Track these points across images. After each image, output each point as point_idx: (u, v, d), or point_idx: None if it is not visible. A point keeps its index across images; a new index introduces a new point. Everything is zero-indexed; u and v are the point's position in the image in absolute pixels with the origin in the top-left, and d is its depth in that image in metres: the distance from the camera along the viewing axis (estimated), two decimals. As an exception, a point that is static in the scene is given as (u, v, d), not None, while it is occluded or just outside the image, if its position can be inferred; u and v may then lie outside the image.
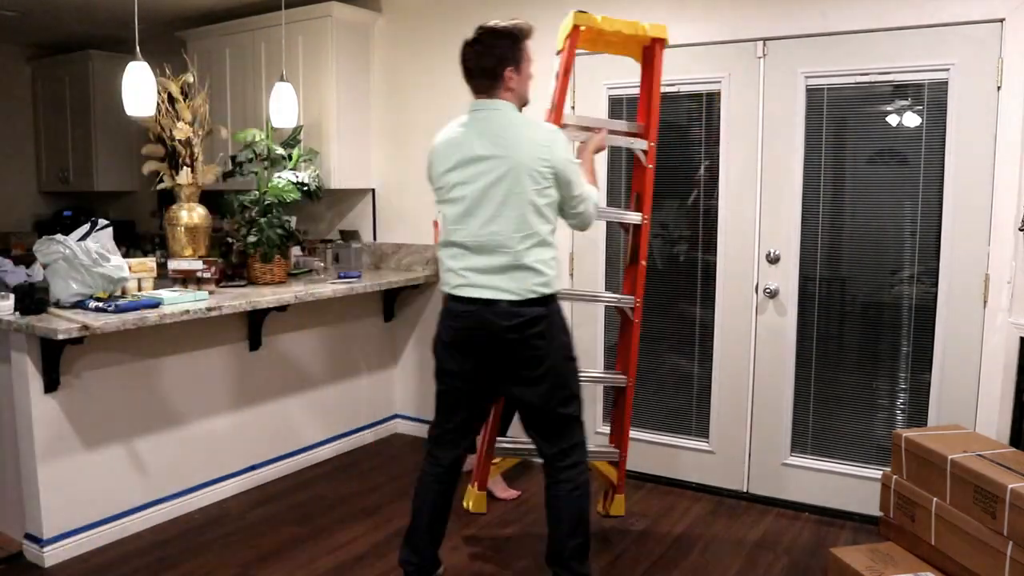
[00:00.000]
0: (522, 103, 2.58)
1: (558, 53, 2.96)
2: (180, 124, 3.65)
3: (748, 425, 3.57)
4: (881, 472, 2.99)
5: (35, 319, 2.80)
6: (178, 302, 3.18)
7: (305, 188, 3.97)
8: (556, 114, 2.90)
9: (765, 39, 3.38)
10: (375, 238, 4.58)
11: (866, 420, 3.37)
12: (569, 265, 3.92)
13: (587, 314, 3.91)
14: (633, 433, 3.88)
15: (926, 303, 3.21)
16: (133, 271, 3.31)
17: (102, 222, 3.28)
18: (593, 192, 2.60)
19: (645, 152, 3.08)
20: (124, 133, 5.43)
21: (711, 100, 3.54)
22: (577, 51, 3.77)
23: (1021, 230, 2.95)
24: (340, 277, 3.99)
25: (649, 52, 3.07)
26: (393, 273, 4.34)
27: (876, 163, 3.27)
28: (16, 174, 5.79)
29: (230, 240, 3.91)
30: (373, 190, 4.55)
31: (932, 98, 3.12)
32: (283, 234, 3.76)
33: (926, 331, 3.21)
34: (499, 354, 2.45)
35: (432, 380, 4.18)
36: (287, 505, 3.55)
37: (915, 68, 3.12)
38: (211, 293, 3.43)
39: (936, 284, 3.16)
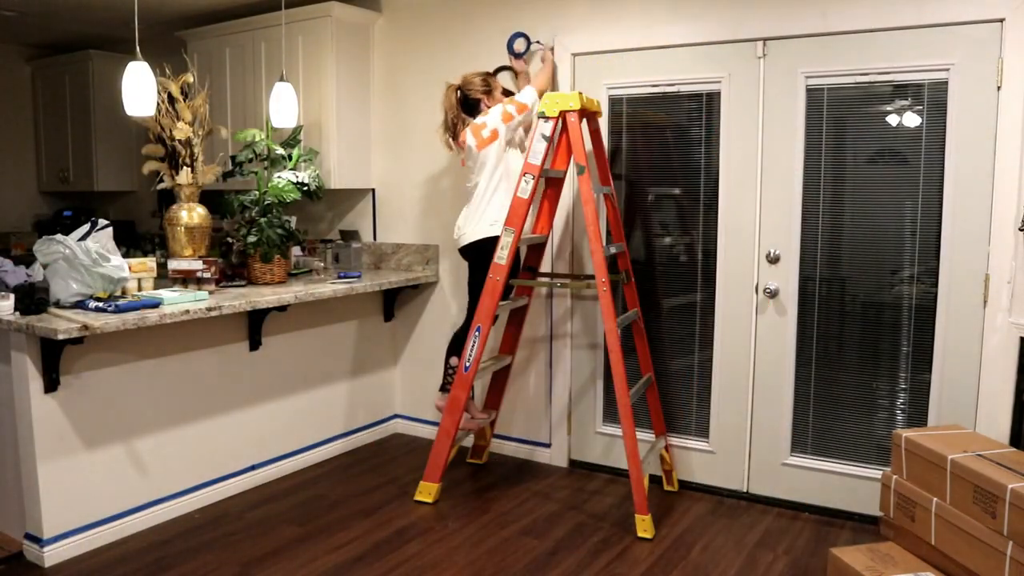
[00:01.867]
0: None
1: (547, 119, 3.31)
2: (180, 124, 3.65)
3: (748, 425, 3.57)
4: (881, 472, 2.99)
5: (35, 319, 2.80)
6: (178, 302, 3.18)
7: (305, 188, 3.97)
8: (540, 168, 3.36)
9: (765, 39, 3.38)
10: (375, 238, 4.58)
11: (866, 420, 3.37)
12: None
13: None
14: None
15: (926, 303, 3.21)
16: (133, 271, 3.31)
17: (102, 222, 3.28)
18: None
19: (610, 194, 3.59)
20: (124, 133, 5.44)
21: (711, 100, 3.54)
22: (579, 52, 3.80)
23: (1021, 230, 2.95)
24: (340, 277, 3.99)
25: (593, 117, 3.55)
26: (393, 273, 4.34)
27: (876, 163, 3.27)
28: (16, 174, 5.79)
29: (230, 240, 3.91)
30: (373, 190, 4.55)
31: (932, 98, 3.12)
32: (283, 234, 3.76)
33: (926, 331, 3.21)
34: None
35: (429, 379, 4.24)
36: (287, 505, 3.55)
37: (915, 68, 3.12)
38: (211, 293, 3.43)
39: (936, 284, 3.16)
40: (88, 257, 3.06)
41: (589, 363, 3.97)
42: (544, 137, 3.32)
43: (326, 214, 4.76)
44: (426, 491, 3.56)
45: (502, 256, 3.40)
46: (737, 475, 3.63)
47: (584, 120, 3.46)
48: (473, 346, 3.45)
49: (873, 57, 3.18)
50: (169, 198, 4.03)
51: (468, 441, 4.14)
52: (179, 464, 3.43)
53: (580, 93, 3.28)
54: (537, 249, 3.82)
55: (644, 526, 3.21)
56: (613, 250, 3.47)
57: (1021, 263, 2.98)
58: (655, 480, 3.81)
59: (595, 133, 3.54)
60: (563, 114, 3.31)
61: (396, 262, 4.50)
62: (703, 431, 3.71)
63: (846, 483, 3.40)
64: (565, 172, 3.71)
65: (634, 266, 3.74)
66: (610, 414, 3.96)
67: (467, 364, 3.47)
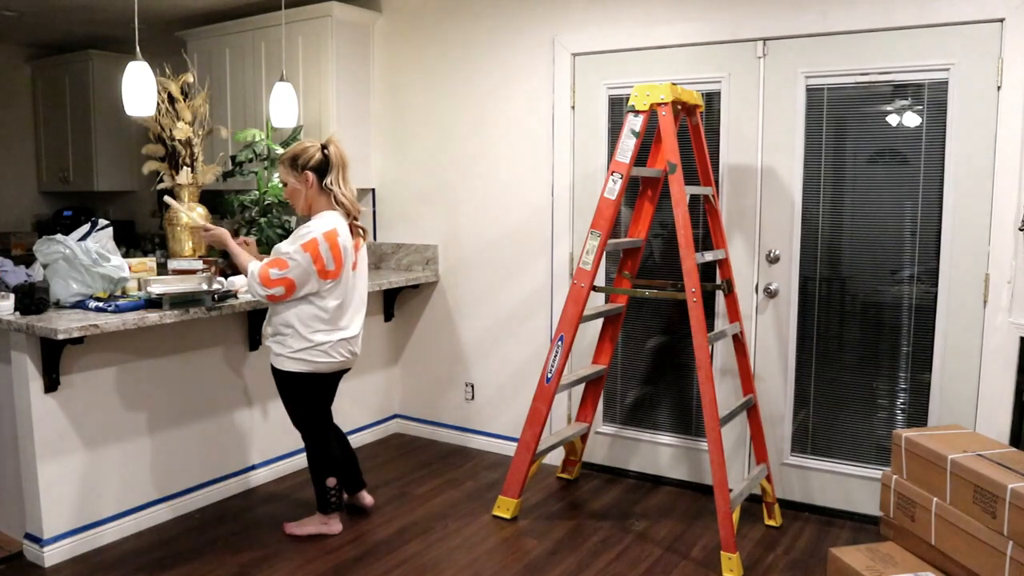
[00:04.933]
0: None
1: (637, 113, 3.10)
2: (180, 124, 3.65)
3: (748, 425, 3.57)
4: (881, 472, 2.99)
5: (35, 319, 2.80)
6: (178, 302, 3.18)
7: (305, 188, 3.97)
8: (628, 167, 3.16)
9: (765, 39, 3.38)
10: (375, 238, 4.58)
11: (866, 420, 3.37)
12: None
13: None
14: (635, 433, 3.89)
15: (926, 303, 3.21)
16: (133, 271, 3.31)
17: (102, 222, 3.28)
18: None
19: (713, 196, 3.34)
20: (124, 133, 5.43)
21: (711, 100, 3.54)
22: (579, 52, 3.80)
23: (1021, 230, 2.96)
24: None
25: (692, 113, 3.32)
26: (393, 273, 4.33)
27: (876, 163, 3.27)
28: (16, 174, 5.79)
29: (230, 240, 3.91)
30: (373, 190, 4.55)
31: (932, 98, 3.12)
32: (283, 234, 3.76)
33: (926, 331, 3.21)
34: None
35: (429, 379, 4.24)
36: (287, 505, 3.55)
37: (915, 68, 3.12)
38: (211, 293, 3.42)
39: (936, 284, 3.16)
40: (88, 257, 3.06)
41: (589, 363, 3.97)
42: (633, 133, 3.08)
43: (326, 214, 4.75)
44: (504, 506, 3.41)
45: (587, 261, 3.21)
46: (737, 475, 3.63)
47: (686, 115, 3.28)
48: (555, 357, 3.27)
49: (873, 57, 3.18)
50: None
51: (554, 457, 4.11)
52: (179, 464, 3.43)
53: (672, 84, 3.05)
54: (633, 254, 3.63)
55: (731, 566, 2.89)
56: (709, 257, 3.22)
57: (1021, 263, 2.98)
58: (649, 479, 3.82)
59: (695, 129, 3.27)
60: (654, 107, 3.06)
61: (396, 262, 4.50)
62: (703, 431, 3.70)
63: (846, 483, 3.40)
64: (663, 172, 3.37)
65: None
66: (610, 414, 3.96)
67: (549, 375, 3.30)
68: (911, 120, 3.19)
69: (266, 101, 4.14)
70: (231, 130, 4.32)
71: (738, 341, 3.36)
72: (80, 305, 3.02)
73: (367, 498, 3.48)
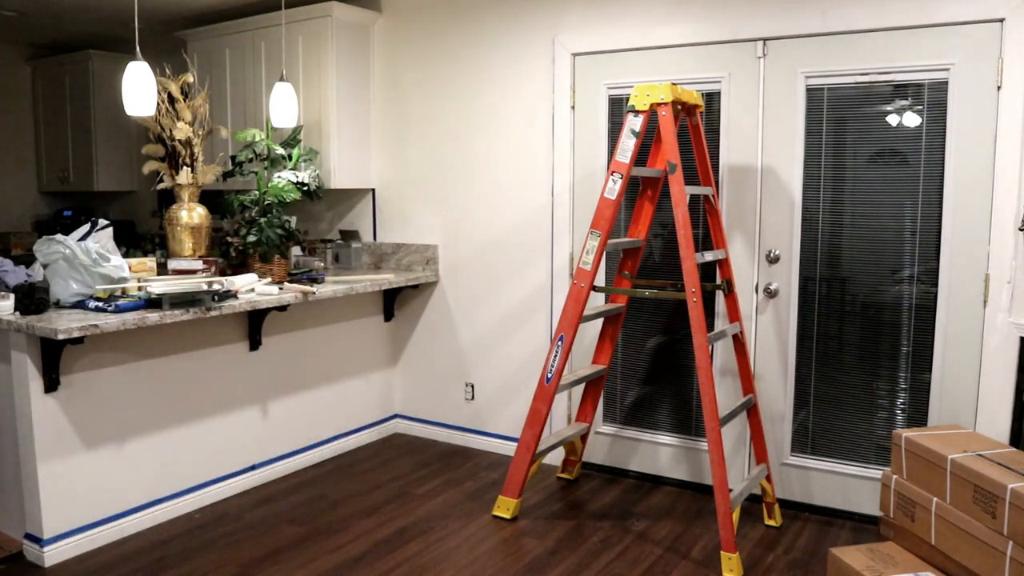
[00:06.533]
0: None
1: (637, 113, 3.12)
2: (180, 124, 3.65)
3: (748, 425, 3.57)
4: (881, 472, 2.99)
5: (35, 319, 2.80)
6: (178, 302, 3.18)
7: (305, 188, 3.97)
8: (628, 167, 3.16)
9: (765, 39, 3.38)
10: (375, 238, 4.58)
11: (866, 420, 3.37)
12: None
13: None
14: (635, 433, 3.89)
15: (926, 303, 3.21)
16: (133, 271, 3.31)
17: (102, 222, 3.28)
18: None
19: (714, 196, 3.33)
20: (124, 133, 5.44)
21: (711, 100, 3.54)
22: (579, 52, 3.81)
23: (1021, 230, 2.96)
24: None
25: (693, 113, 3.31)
26: (393, 273, 4.34)
27: (876, 163, 3.27)
28: (16, 174, 5.80)
29: (230, 240, 3.91)
30: (373, 190, 4.56)
31: (932, 98, 3.12)
32: (283, 234, 3.76)
33: (926, 331, 3.21)
34: None
35: (429, 379, 4.23)
36: (287, 505, 3.55)
37: (915, 68, 3.12)
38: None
39: (936, 284, 3.16)
40: (88, 257, 3.06)
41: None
42: (633, 133, 3.09)
43: (326, 214, 4.76)
44: (504, 506, 3.41)
45: (587, 261, 3.23)
46: (737, 475, 3.63)
47: (686, 115, 3.29)
48: (555, 357, 3.28)
49: (873, 57, 3.18)
50: (169, 198, 4.03)
51: (554, 457, 4.12)
52: (179, 464, 3.43)
53: (672, 84, 3.06)
54: (633, 254, 3.64)
55: (731, 566, 2.89)
56: (709, 257, 3.21)
57: (1021, 263, 2.98)
58: (649, 479, 3.82)
59: (695, 129, 3.28)
60: (654, 107, 3.07)
61: (396, 262, 4.50)
62: (703, 431, 3.71)
63: (846, 483, 3.40)
64: (663, 172, 3.41)
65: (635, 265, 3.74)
66: (610, 414, 3.96)
67: (549, 375, 3.31)
68: (911, 120, 3.19)
69: (266, 101, 4.15)
70: (231, 130, 4.33)
71: (738, 341, 3.36)
72: (80, 305, 3.02)
73: None
